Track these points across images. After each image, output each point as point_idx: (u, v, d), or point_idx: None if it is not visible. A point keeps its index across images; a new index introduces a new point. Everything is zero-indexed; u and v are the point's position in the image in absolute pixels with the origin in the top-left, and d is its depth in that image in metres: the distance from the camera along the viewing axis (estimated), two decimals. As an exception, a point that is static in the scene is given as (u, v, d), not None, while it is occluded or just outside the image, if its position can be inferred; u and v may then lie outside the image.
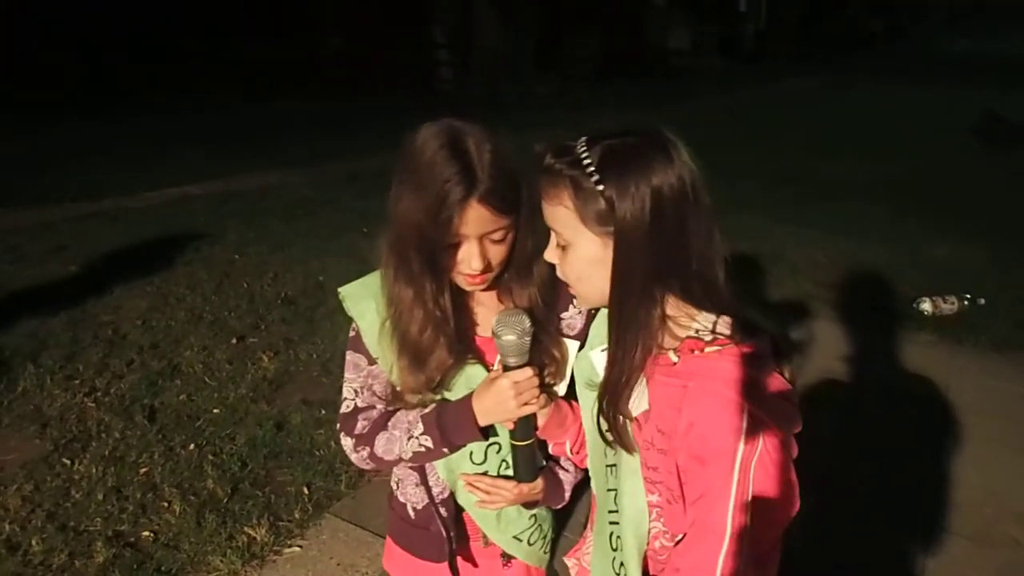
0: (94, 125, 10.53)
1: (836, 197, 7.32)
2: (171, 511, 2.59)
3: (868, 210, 6.88)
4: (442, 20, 14.49)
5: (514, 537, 1.36)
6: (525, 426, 1.21)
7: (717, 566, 0.96)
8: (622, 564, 1.09)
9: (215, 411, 3.26)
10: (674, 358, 1.01)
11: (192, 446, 2.98)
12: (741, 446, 0.94)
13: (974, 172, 8.57)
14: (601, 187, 0.94)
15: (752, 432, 0.94)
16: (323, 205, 6.75)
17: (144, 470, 2.82)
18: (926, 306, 4.47)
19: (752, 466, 0.94)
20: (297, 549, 2.48)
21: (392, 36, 14.27)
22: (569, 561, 1.32)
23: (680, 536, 1.04)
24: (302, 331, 4.11)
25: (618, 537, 1.10)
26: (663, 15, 19.81)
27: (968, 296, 4.58)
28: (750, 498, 0.95)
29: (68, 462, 2.85)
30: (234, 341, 3.96)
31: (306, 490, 2.74)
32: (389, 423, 1.26)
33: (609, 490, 1.12)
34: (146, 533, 2.50)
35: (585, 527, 1.33)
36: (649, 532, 1.08)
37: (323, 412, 3.26)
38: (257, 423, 3.16)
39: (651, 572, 1.09)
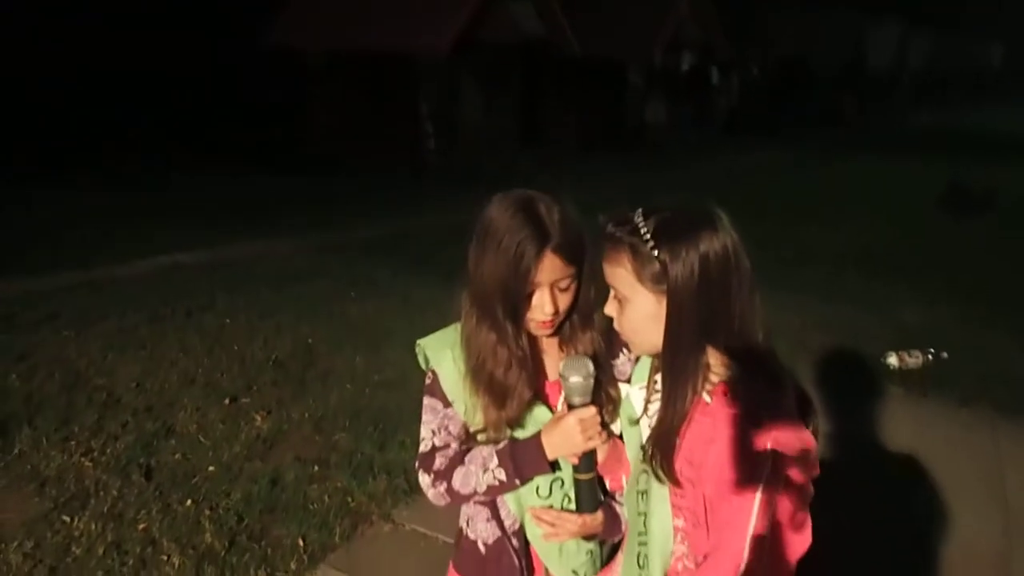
0: (83, 196, 10.71)
1: (808, 263, 7.63)
2: (170, 564, 2.67)
3: (839, 275, 7.17)
4: (427, 96, 15.01)
5: (572, 571, 1.47)
6: (588, 461, 1.35)
7: None
8: None
9: (210, 469, 3.35)
10: (708, 399, 1.17)
11: (189, 502, 3.06)
12: (763, 483, 1.09)
13: (940, 239, 8.95)
14: (656, 252, 1.13)
15: (775, 471, 1.10)
16: (311, 274, 6.91)
17: (143, 526, 2.90)
18: (892, 360, 4.69)
19: (772, 499, 1.10)
20: (293, 599, 2.56)
21: (378, 112, 14.76)
22: None
23: (701, 559, 1.18)
24: (293, 392, 4.23)
25: (646, 556, 1.24)
26: (640, 91, 20.67)
27: (932, 351, 4.80)
28: (767, 531, 1.10)
29: (67, 519, 2.92)
30: (227, 402, 4.07)
31: (301, 542, 2.82)
32: (466, 459, 1.41)
33: (640, 514, 1.27)
34: (145, 586, 2.57)
35: (610, 563, 1.46)
36: (673, 554, 1.23)
37: (316, 468, 3.36)
38: (252, 479, 3.25)
39: None
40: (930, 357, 4.76)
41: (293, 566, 2.69)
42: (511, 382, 1.35)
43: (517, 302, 1.30)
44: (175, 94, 17.48)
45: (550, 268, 1.27)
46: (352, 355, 4.76)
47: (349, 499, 3.13)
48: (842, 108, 27.76)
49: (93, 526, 2.87)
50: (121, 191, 11.10)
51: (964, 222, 10.00)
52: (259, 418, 3.86)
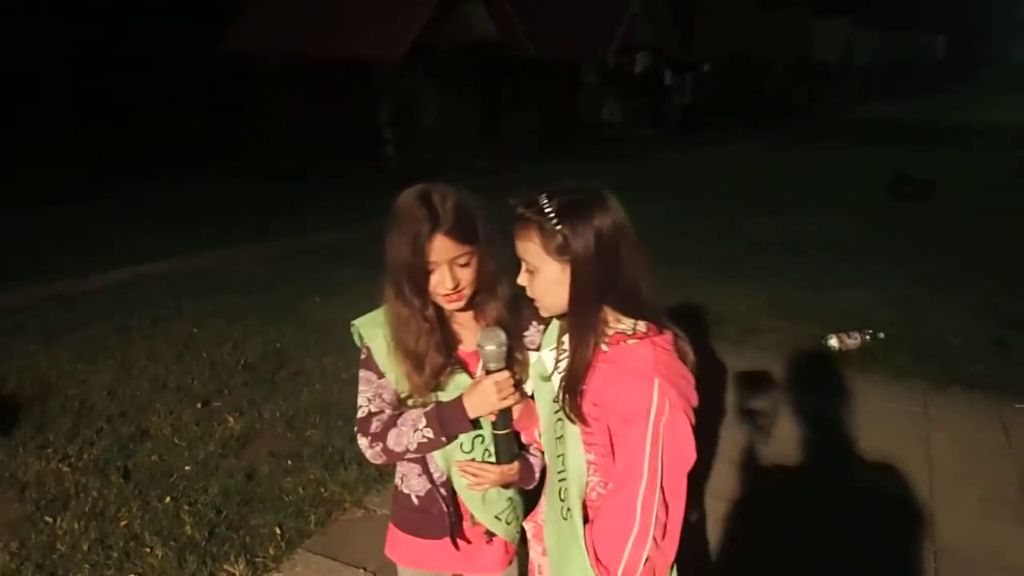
0: (39, 209, 10.60)
1: (757, 252, 7.95)
2: (154, 555, 2.80)
3: (786, 262, 7.49)
4: (385, 100, 15.12)
5: (495, 516, 1.70)
6: (504, 418, 1.56)
7: (638, 500, 1.33)
8: (568, 509, 1.44)
9: (187, 468, 3.48)
10: (605, 348, 1.40)
11: (168, 499, 3.19)
12: (653, 410, 1.32)
13: (885, 225, 9.37)
14: (559, 227, 1.34)
15: (661, 400, 1.33)
16: (276, 279, 7.01)
17: (124, 523, 3.03)
18: (833, 342, 4.98)
19: (662, 425, 1.33)
20: (273, 581, 2.72)
21: (337, 115, 14.81)
22: (527, 524, 1.66)
23: (610, 485, 1.40)
24: (264, 393, 4.36)
25: (565, 489, 1.45)
26: (595, 91, 21.01)
27: (871, 332, 5.11)
28: (661, 449, 1.33)
29: (50, 520, 3.04)
30: (199, 405, 4.19)
31: (278, 530, 2.98)
32: (398, 421, 1.61)
33: (558, 456, 1.48)
34: (131, 576, 2.71)
35: (535, 508, 1.66)
36: (588, 484, 1.45)
37: (289, 462, 3.51)
38: (228, 475, 3.39)
39: (589, 516, 1.44)
40: (868, 338, 5.07)
41: (272, 551, 2.85)
42: (422, 350, 1.56)
43: (419, 279, 1.51)
44: (131, 101, 17.27)
45: (442, 248, 1.48)
46: (320, 356, 4.90)
47: (322, 489, 3.29)
48: (791, 101, 28.49)
49: (76, 525, 2.99)
50: (77, 202, 11.03)
51: (909, 208, 10.47)
52: (232, 419, 3.99)
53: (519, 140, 17.40)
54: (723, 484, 3.39)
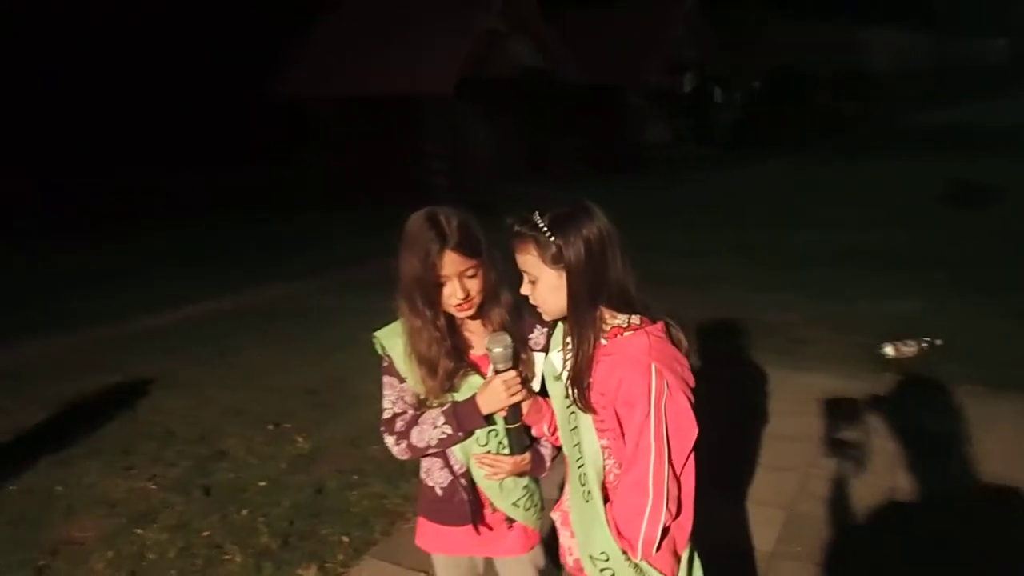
0: (103, 249, 11.20)
1: (808, 265, 7.92)
2: (233, 562, 3.03)
3: (837, 274, 7.44)
4: (435, 133, 15.55)
5: (513, 504, 1.87)
6: (515, 413, 1.74)
7: (649, 476, 1.48)
8: (589, 492, 1.59)
9: (261, 484, 3.72)
10: (604, 342, 1.56)
11: (245, 511, 3.44)
12: (653, 391, 1.48)
13: (942, 234, 9.15)
14: (553, 239, 1.51)
15: (659, 382, 1.48)
16: (332, 309, 7.30)
17: (206, 533, 3.27)
18: (888, 350, 4.96)
19: (663, 404, 1.48)
20: (343, 584, 2.91)
21: (387, 150, 15.31)
22: (554, 514, 1.81)
23: (624, 465, 1.55)
24: (328, 415, 4.61)
25: (584, 474, 1.60)
26: (641, 111, 21.14)
27: (927, 339, 5.07)
28: (665, 426, 1.48)
29: (140, 532, 3.31)
30: (269, 428, 4.45)
31: (346, 539, 3.18)
32: (419, 420, 1.79)
33: (574, 445, 1.64)
34: (214, 581, 2.94)
35: (560, 498, 1.81)
36: (604, 467, 1.60)
37: (354, 477, 3.72)
38: (298, 490, 3.63)
39: (608, 497, 1.59)
40: (924, 345, 5.02)
41: (340, 557, 3.04)
42: (434, 356, 1.74)
43: (430, 292, 1.68)
44: (188, 145, 18.15)
45: (451, 263, 1.66)
46: (379, 379, 5.11)
47: (385, 501, 3.49)
48: (843, 113, 28.01)
49: (163, 536, 3.25)
50: (139, 243, 11.62)
51: (967, 216, 10.22)
52: (300, 439, 4.24)
53: (567, 165, 17.61)
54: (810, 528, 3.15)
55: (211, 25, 20.01)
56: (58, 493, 3.76)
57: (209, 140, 18.78)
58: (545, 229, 1.51)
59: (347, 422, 4.46)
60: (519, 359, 1.75)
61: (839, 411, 4.19)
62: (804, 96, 27.15)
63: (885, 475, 3.53)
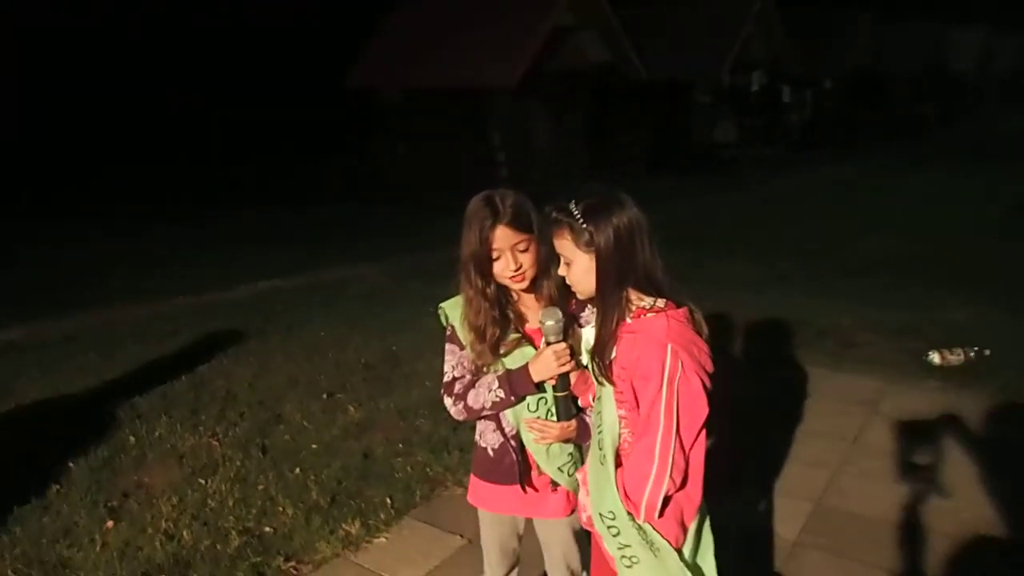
0: (186, 229, 11.85)
1: (866, 272, 7.80)
2: (285, 514, 3.29)
3: (895, 282, 7.33)
4: (498, 126, 15.77)
5: (558, 468, 2.02)
6: (563, 382, 1.90)
7: (656, 445, 1.62)
8: (604, 456, 1.75)
9: (314, 447, 3.99)
10: (629, 320, 1.71)
11: (298, 471, 3.70)
12: (667, 369, 1.61)
13: (1003, 247, 8.86)
14: (585, 226, 1.67)
15: (674, 362, 1.62)
16: (394, 292, 7.61)
17: (262, 487, 3.55)
18: (934, 357, 4.94)
19: (676, 381, 1.61)
20: (383, 540, 3.14)
21: (453, 142, 15.60)
22: (579, 475, 1.96)
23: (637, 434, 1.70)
24: (381, 389, 4.85)
25: (602, 440, 1.76)
26: (709, 110, 20.92)
27: (976, 348, 5.02)
28: (676, 403, 1.62)
29: (203, 482, 3.60)
30: (325, 397, 4.73)
31: (389, 500, 3.40)
32: (476, 384, 1.97)
33: (597, 413, 1.80)
34: (267, 528, 3.21)
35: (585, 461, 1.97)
36: (620, 436, 1.75)
37: (401, 446, 3.95)
38: (348, 455, 3.88)
39: (621, 462, 1.74)
40: (972, 355, 4.97)
41: (383, 516, 3.27)
42: (482, 323, 1.91)
43: (484, 265, 1.86)
44: (268, 137, 19.00)
45: (503, 236, 1.83)
46: (432, 359, 5.34)
47: (428, 470, 3.70)
48: (923, 117, 27.04)
49: (223, 487, 3.54)
50: (219, 225, 12.23)
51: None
52: (352, 409, 4.50)
53: (631, 162, 17.59)
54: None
55: (287, 20, 20.91)
56: (131, 444, 4.10)
57: (286, 131, 19.65)
58: (579, 216, 1.67)
59: (399, 396, 4.70)
60: (569, 333, 1.91)
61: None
62: (882, 97, 26.34)
63: (914, 477, 3.57)
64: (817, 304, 6.59)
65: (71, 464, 3.83)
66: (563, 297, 1.93)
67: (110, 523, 3.27)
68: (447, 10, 16.60)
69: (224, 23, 20.44)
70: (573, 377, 1.92)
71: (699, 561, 1.82)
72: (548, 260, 1.88)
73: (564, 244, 1.72)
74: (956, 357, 4.94)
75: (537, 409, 1.98)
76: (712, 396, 1.66)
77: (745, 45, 20.60)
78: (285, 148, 19.39)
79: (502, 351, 1.95)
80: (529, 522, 2.16)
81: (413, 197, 14.09)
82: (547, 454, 2.01)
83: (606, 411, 1.76)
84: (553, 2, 15.50)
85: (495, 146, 15.52)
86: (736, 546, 2.89)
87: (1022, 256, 8.32)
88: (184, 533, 3.16)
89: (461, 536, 3.13)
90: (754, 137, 21.78)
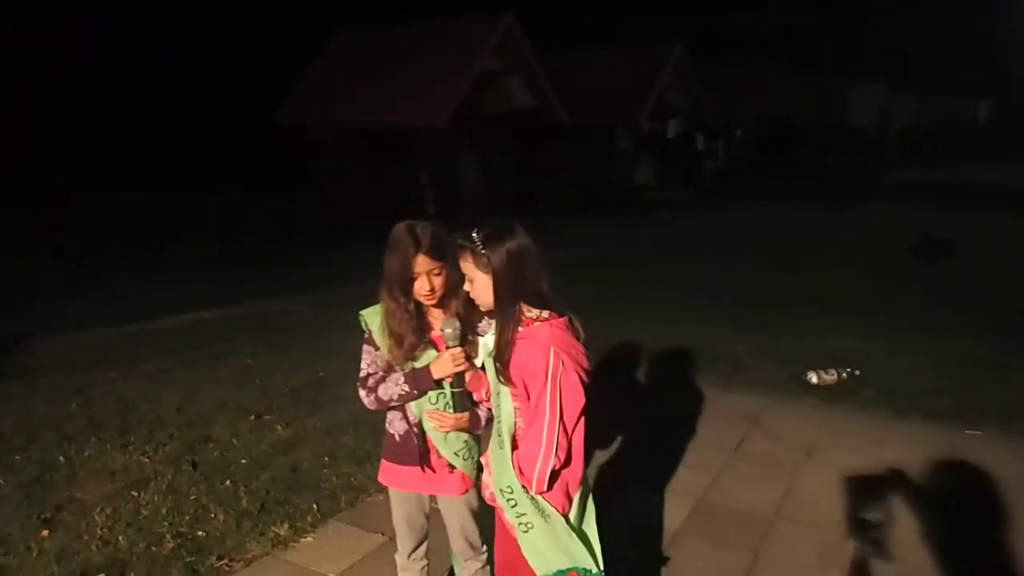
0: (114, 259, 11.77)
1: (769, 305, 8.48)
2: (217, 520, 3.53)
3: (794, 314, 8.01)
4: (428, 164, 16.24)
5: (454, 453, 2.41)
6: (459, 380, 2.29)
7: (543, 431, 2.02)
8: (502, 441, 2.13)
9: (243, 461, 4.22)
10: (520, 329, 2.10)
11: (228, 482, 3.94)
12: (550, 367, 2.01)
13: (895, 283, 9.74)
14: (483, 251, 2.06)
15: (556, 361, 2.02)
16: (321, 322, 7.83)
17: (193, 497, 3.77)
18: (811, 377, 5.54)
19: (559, 378, 2.01)
20: (310, 539, 3.42)
21: (382, 181, 15.96)
22: (483, 459, 2.34)
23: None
24: (308, 410, 5.11)
25: (500, 427, 2.15)
26: (629, 154, 21.96)
27: (848, 369, 5.65)
28: (559, 395, 2.01)
29: (136, 494, 3.80)
30: (253, 418, 4.95)
31: (316, 506, 3.68)
32: (387, 379, 2.34)
33: (497, 406, 2.18)
34: (200, 532, 3.44)
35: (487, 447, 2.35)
36: (515, 424, 2.13)
37: (327, 459, 4.23)
38: (277, 468, 4.13)
39: (516, 445, 2.12)
40: (844, 375, 5.60)
41: (309, 519, 3.55)
42: (403, 332, 2.29)
43: (405, 284, 2.24)
44: (194, 168, 18.88)
45: (422, 263, 2.22)
46: (357, 383, 5.63)
47: (353, 479, 3.99)
48: (827, 165, 28.94)
49: (156, 498, 3.74)
50: (143, 256, 12.20)
51: (927, 268, 10.87)
52: (280, 428, 4.75)
53: (555, 201, 18.29)
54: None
55: (221, 54, 20.99)
56: (61, 463, 4.24)
57: (215, 164, 19.59)
58: (478, 243, 2.07)
59: (325, 416, 4.97)
60: (466, 340, 2.30)
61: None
62: (789, 147, 28.08)
63: (786, 474, 4.07)
64: (718, 333, 7.18)
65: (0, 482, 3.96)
66: (469, 312, 2.33)
67: (45, 532, 3.44)
68: (378, 51, 17.08)
69: (156, 56, 20.39)
70: (467, 376, 2.32)
71: (584, 527, 2.21)
72: (458, 284, 2.26)
73: (467, 265, 2.11)
74: (831, 377, 5.55)
75: (437, 402, 2.36)
76: (588, 389, 2.07)
77: (663, 94, 21.79)
78: (213, 180, 19.32)
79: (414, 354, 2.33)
80: (434, 499, 2.52)
81: (342, 232, 14.34)
82: (445, 440, 2.39)
83: (503, 404, 2.14)
84: (480, 47, 16.19)
85: (423, 184, 15.95)
86: (628, 533, 3.33)
87: (910, 290, 9.21)
88: (120, 539, 3.37)
89: (383, 535, 3.44)
90: (671, 181, 22.93)
